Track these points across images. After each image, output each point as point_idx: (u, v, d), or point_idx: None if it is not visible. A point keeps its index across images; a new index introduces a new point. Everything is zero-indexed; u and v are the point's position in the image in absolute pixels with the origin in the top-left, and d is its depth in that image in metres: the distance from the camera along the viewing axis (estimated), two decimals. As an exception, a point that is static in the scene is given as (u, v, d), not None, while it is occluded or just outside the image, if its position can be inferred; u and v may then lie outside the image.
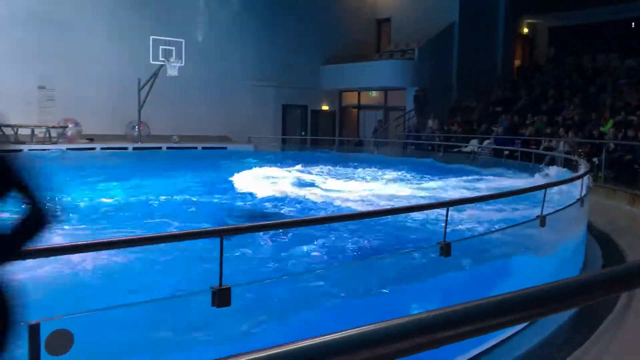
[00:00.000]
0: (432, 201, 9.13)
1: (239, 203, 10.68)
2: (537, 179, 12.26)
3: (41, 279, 4.72)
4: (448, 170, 16.62)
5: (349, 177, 15.19)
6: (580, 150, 15.79)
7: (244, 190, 11.91)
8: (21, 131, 19.49)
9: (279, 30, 26.12)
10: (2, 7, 20.44)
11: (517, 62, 28.52)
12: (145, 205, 10.01)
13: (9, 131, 19.25)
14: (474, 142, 20.15)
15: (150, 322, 3.60)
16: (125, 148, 21.30)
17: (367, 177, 15.23)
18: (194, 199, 10.63)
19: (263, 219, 8.26)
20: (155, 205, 10.07)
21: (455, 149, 20.47)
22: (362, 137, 26.69)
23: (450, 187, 12.94)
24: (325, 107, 28.69)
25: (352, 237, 7.03)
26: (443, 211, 5.15)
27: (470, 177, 14.51)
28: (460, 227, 7.69)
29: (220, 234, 3.92)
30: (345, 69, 26.63)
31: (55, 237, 6.74)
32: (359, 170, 16.68)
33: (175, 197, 10.67)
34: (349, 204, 10.36)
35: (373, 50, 29.16)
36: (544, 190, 6.28)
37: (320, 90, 27.80)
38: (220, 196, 11.23)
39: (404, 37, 27.07)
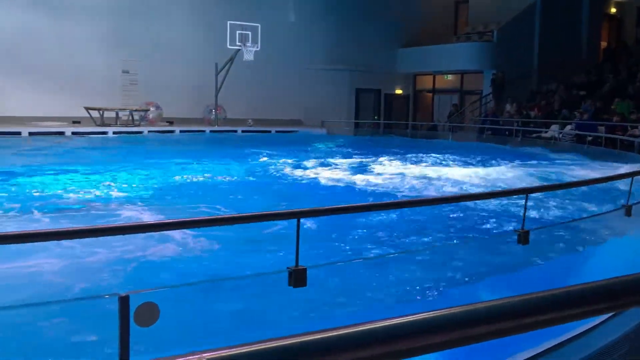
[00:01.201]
0: (510, 188, 8.91)
1: (310, 187, 10.82)
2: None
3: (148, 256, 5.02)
4: (525, 156, 16.11)
5: (422, 162, 15.00)
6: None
7: (314, 175, 12.03)
8: (106, 114, 20.50)
9: (354, 14, 25.99)
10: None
11: (604, 44, 27.07)
12: (226, 184, 10.40)
13: (94, 114, 20.31)
14: (555, 127, 19.38)
15: (230, 298, 3.76)
16: (203, 131, 21.95)
17: (443, 163, 14.99)
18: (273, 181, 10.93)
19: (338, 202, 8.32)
20: (234, 184, 10.43)
21: (534, 135, 19.77)
22: (437, 122, 26.24)
23: (527, 174, 12.54)
24: (399, 91, 28.39)
25: (425, 222, 6.98)
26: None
27: (551, 164, 14.01)
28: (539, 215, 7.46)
29: (297, 215, 4.01)
30: (421, 52, 26.20)
31: (147, 215, 7.11)
32: (432, 155, 16.42)
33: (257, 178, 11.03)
34: (425, 191, 10.27)
35: (450, 32, 28.48)
36: (631, 179, 6.00)
37: (394, 73, 27.52)
38: (296, 180, 11.41)
39: (483, 18, 26.27)
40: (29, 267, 4.61)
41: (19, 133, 18.30)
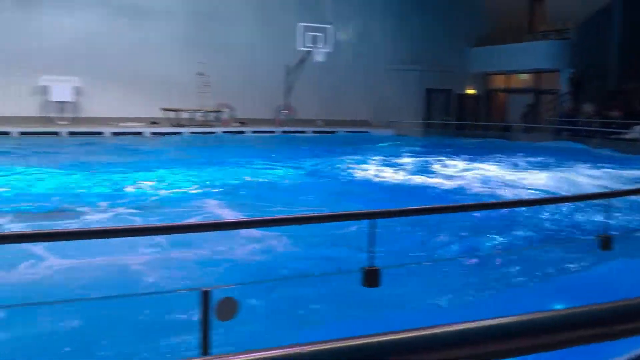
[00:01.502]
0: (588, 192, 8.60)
1: (380, 187, 10.83)
2: None
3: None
4: (606, 158, 15.45)
5: (494, 163, 14.68)
6: None
7: (384, 175, 12.02)
8: (182, 115, 21.26)
9: (425, 13, 25.70)
10: (165, 3, 22.23)
11: (692, 40, 25.50)
12: (297, 183, 10.60)
13: (170, 114, 21.09)
14: (638, 128, 18.49)
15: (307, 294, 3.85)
16: (273, 132, 22.32)
17: (515, 164, 14.61)
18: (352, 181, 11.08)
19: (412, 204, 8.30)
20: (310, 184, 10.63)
21: (614, 136, 18.92)
22: (510, 122, 25.52)
23: (608, 177, 12.04)
24: (470, 91, 27.81)
25: (501, 226, 6.86)
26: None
27: (635, 167, 13.39)
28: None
29: (372, 216, 4.06)
30: (494, 51, 25.58)
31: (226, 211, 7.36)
32: (505, 156, 16.02)
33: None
34: (498, 193, 10.07)
35: (524, 30, 27.63)
36: None
37: (465, 73, 26.98)
38: (365, 180, 11.46)
39: (561, 15, 25.32)
40: (117, 261, 4.89)
41: (100, 133, 19.30)
